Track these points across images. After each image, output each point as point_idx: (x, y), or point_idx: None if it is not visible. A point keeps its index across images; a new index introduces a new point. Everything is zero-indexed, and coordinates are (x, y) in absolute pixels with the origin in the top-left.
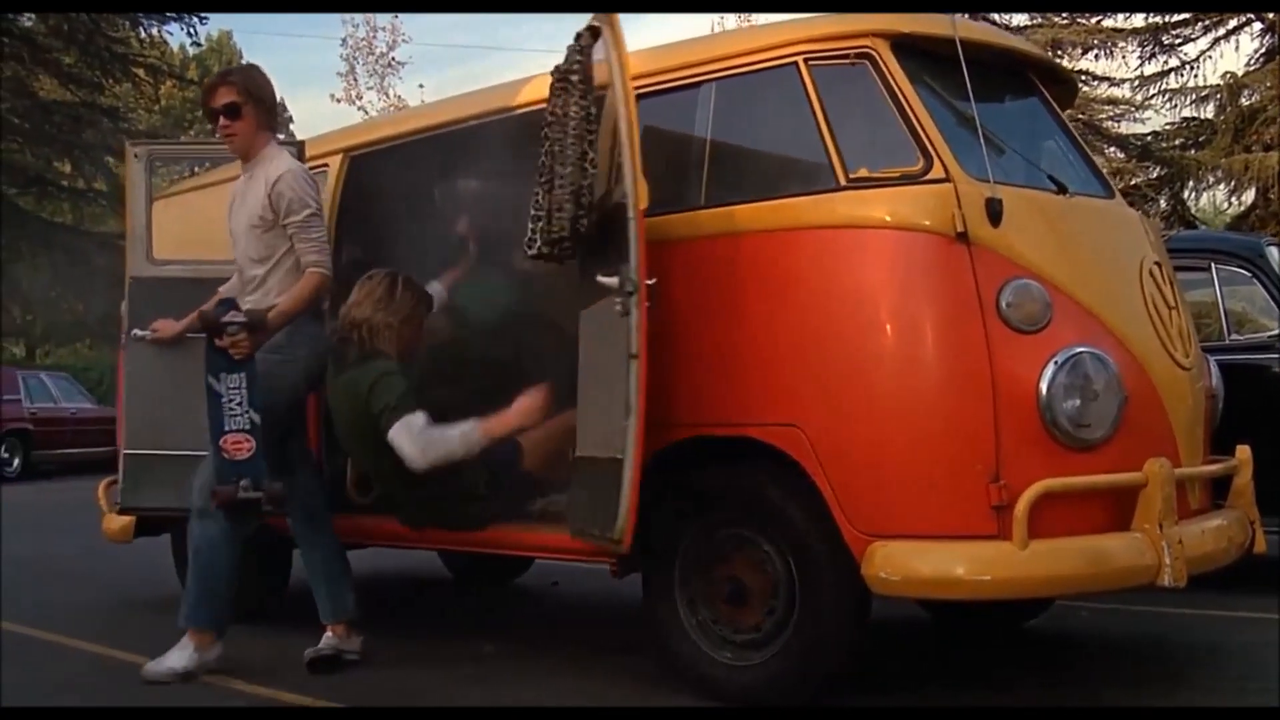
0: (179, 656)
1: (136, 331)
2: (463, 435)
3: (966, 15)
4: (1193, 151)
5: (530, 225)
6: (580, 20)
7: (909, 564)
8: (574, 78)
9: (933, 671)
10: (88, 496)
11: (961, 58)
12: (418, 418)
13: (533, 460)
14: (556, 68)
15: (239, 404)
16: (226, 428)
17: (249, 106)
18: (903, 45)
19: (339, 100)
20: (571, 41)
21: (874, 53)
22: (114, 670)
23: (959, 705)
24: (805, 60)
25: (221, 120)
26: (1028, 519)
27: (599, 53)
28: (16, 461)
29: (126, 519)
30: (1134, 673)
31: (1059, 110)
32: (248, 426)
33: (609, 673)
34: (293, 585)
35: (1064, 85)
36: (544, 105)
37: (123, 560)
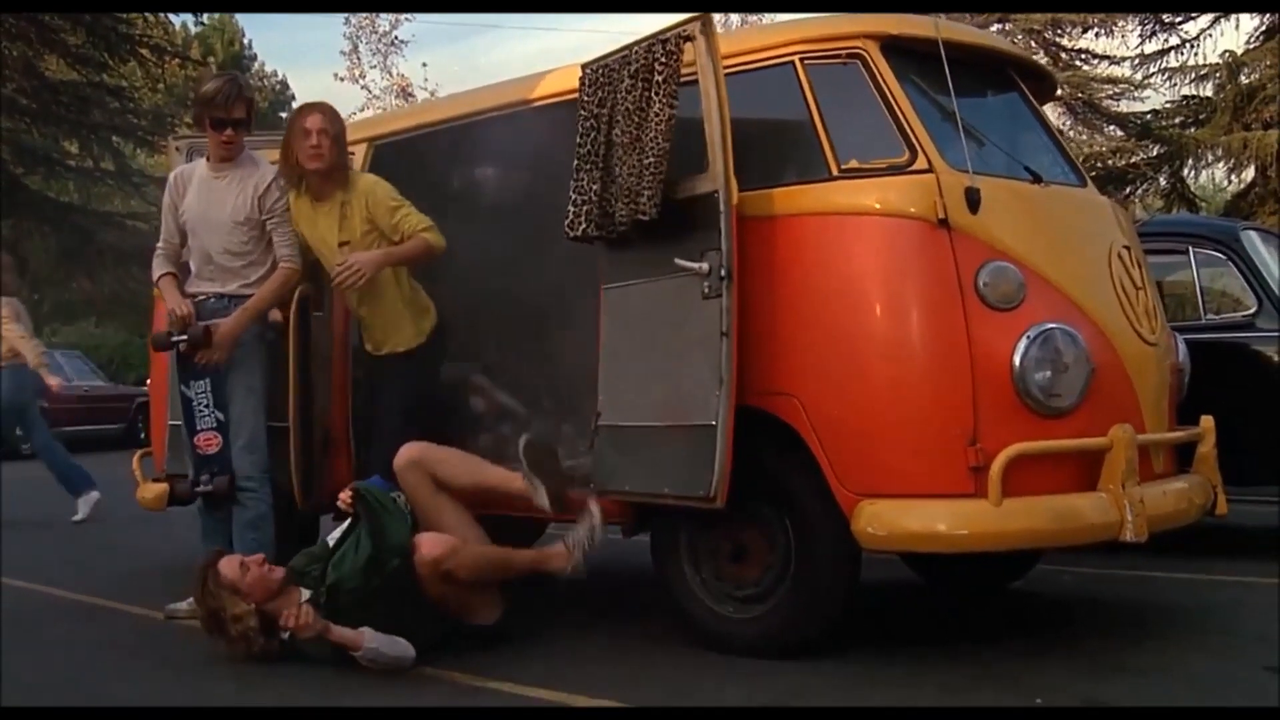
0: None
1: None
2: None
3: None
4: (1192, 130)
5: (573, 209)
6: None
7: (894, 520)
8: (659, 77)
9: (922, 632)
10: (109, 471)
11: (944, 57)
12: None
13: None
14: (625, 61)
15: (206, 406)
16: (198, 427)
17: (251, 119)
18: (891, 45)
19: (342, 79)
20: (654, 41)
21: (864, 53)
22: (153, 630)
23: (946, 659)
24: (801, 59)
25: (230, 132)
26: (1002, 479)
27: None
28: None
29: (160, 488)
30: (1112, 628)
31: (1037, 104)
32: (214, 425)
33: (625, 639)
34: None
35: (1042, 81)
36: (555, 99)
37: (155, 529)
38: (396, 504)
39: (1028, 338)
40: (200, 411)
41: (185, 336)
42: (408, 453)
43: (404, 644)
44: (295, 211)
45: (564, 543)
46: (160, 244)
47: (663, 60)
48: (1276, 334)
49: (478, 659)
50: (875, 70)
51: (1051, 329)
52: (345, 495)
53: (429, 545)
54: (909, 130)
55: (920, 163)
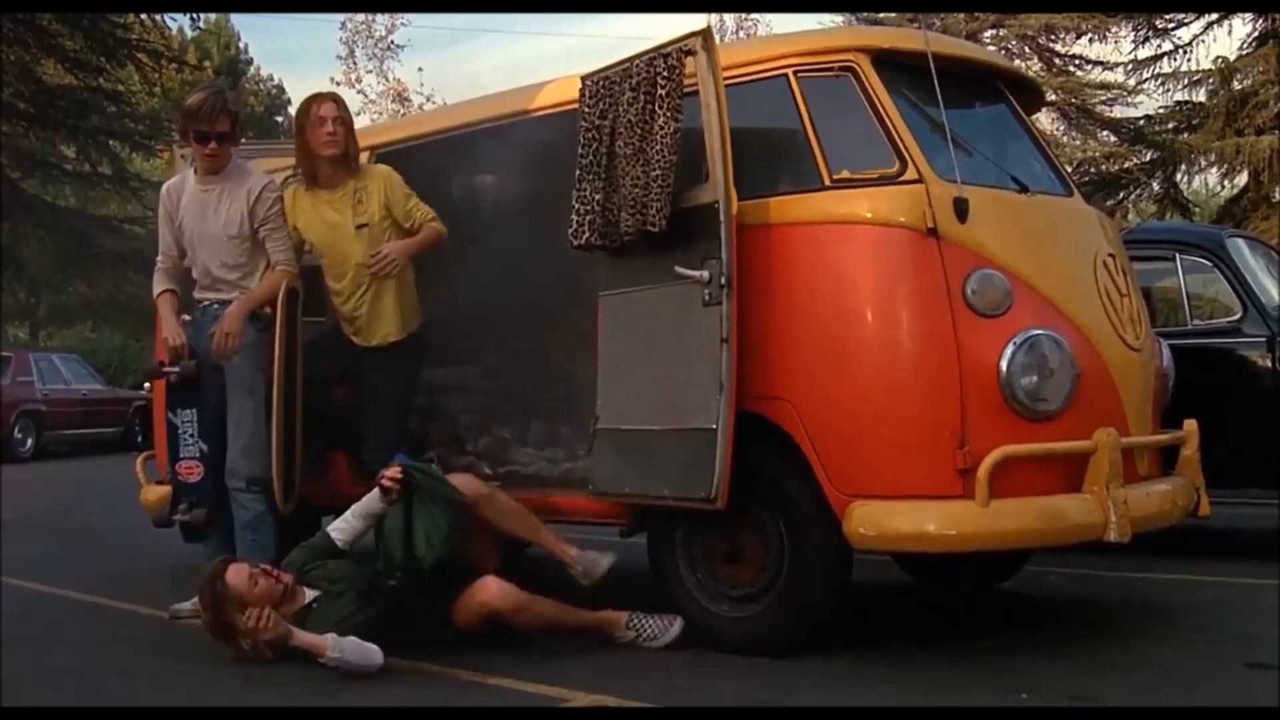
0: None
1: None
2: None
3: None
4: (1185, 135)
5: (576, 219)
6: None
7: (885, 521)
8: (662, 91)
9: (912, 631)
10: (106, 474)
11: (933, 70)
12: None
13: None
14: (626, 74)
15: (190, 435)
16: (181, 455)
17: (236, 132)
18: (882, 59)
19: (339, 83)
20: (655, 55)
21: (856, 66)
22: (156, 630)
23: (935, 658)
24: (795, 72)
25: (214, 145)
26: (989, 481)
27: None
28: (30, 442)
29: (164, 490)
30: (1098, 627)
31: (1025, 115)
32: (197, 454)
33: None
34: None
35: (1031, 92)
36: (555, 109)
37: (156, 530)
38: (434, 468)
39: (1014, 343)
40: (185, 440)
41: (177, 368)
42: (468, 488)
43: (372, 649)
44: (295, 207)
45: (632, 620)
46: (159, 257)
47: (665, 75)
48: (1261, 339)
49: (478, 655)
50: (866, 83)
51: (1037, 335)
52: (394, 473)
53: (496, 595)
54: (899, 141)
55: (910, 173)
